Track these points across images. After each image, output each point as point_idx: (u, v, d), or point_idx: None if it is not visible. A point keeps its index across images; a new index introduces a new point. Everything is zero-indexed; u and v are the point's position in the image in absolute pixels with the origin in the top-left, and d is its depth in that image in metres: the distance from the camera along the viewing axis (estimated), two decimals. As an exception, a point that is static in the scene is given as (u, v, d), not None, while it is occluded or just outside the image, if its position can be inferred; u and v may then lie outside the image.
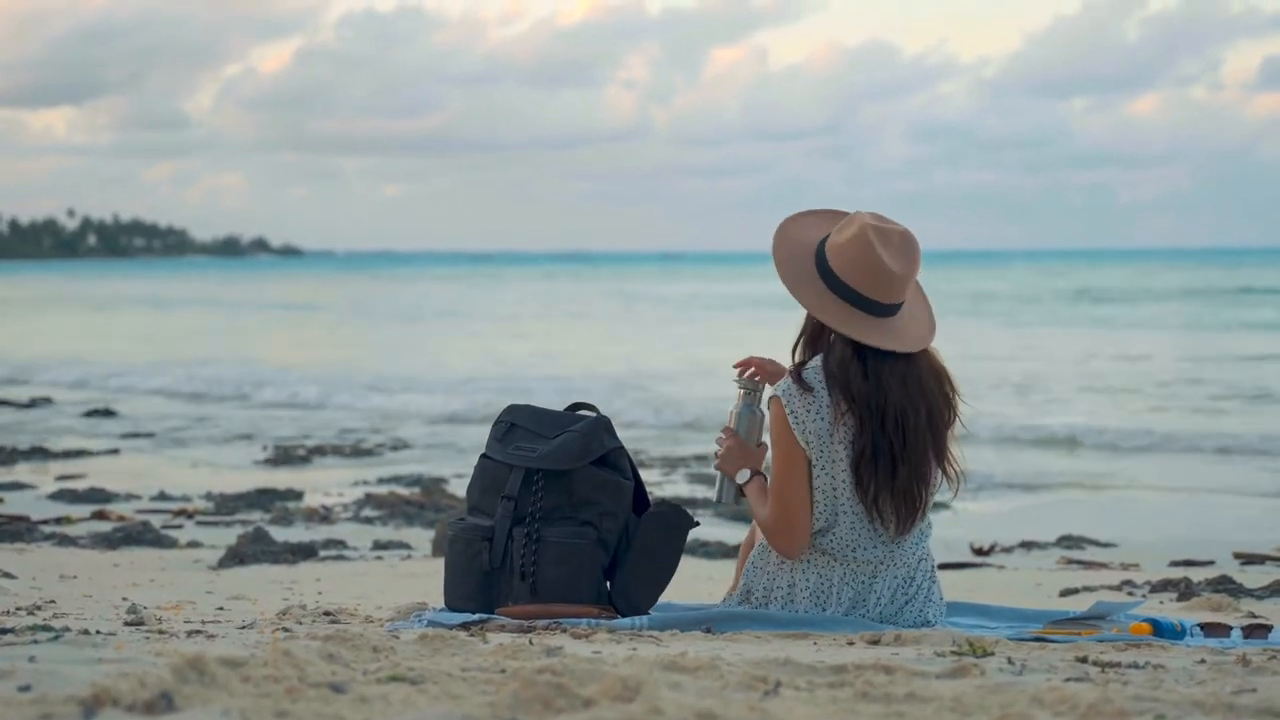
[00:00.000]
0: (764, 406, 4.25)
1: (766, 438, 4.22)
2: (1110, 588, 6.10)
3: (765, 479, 4.21)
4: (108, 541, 7.48)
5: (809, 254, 4.15)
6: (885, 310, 4.07)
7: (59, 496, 9.61)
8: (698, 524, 4.36)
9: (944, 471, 4.12)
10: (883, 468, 4.03)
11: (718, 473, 4.31)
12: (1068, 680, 3.17)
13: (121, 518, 8.59)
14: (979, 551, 7.90)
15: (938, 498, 4.26)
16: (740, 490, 4.26)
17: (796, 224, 4.24)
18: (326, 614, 4.51)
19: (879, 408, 4.02)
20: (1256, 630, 4.17)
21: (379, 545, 7.79)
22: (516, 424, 4.35)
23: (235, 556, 6.86)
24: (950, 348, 4.33)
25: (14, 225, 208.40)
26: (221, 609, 4.95)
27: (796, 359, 4.17)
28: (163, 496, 9.77)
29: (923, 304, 4.21)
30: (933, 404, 4.08)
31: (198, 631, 3.89)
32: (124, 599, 5.16)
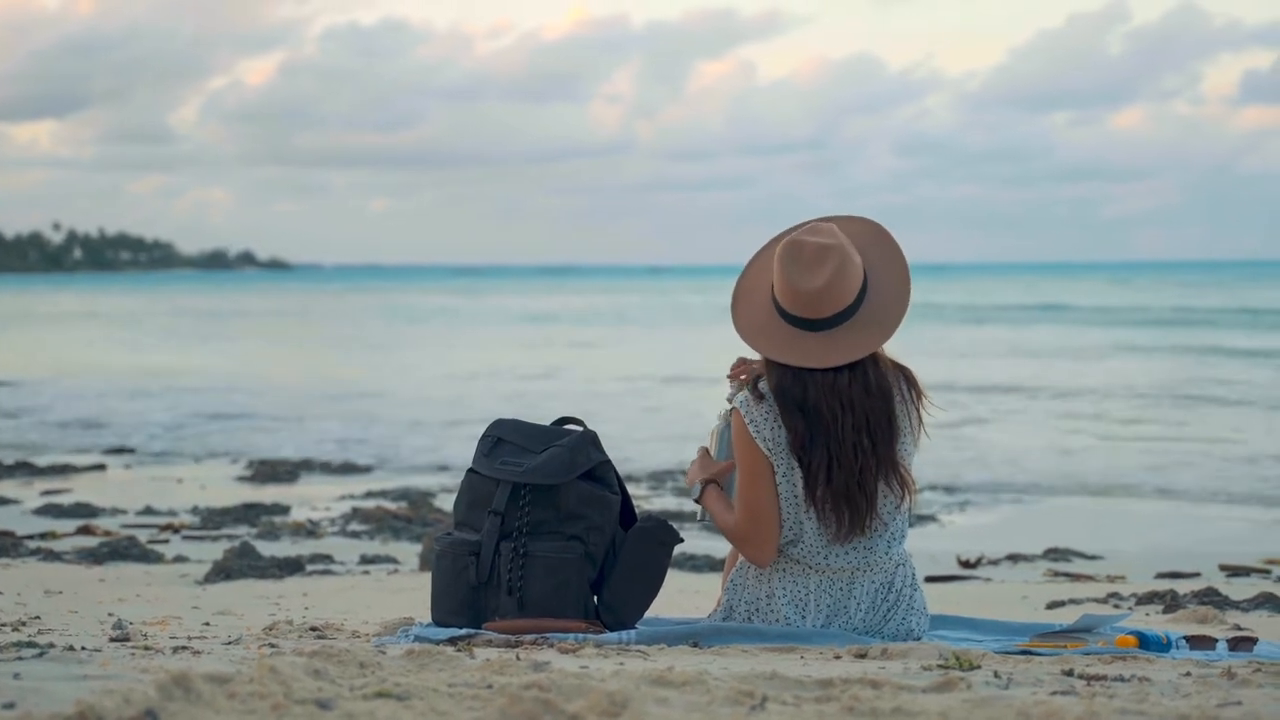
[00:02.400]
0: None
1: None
2: (1096, 600, 6.11)
3: (719, 488, 4.26)
4: (93, 557, 7.46)
5: (767, 290, 4.19)
6: (821, 324, 4.09)
7: (44, 511, 9.59)
8: (682, 540, 4.36)
9: (888, 480, 4.10)
10: (819, 471, 4.06)
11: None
12: (1054, 694, 3.17)
13: (107, 533, 8.57)
14: (965, 564, 7.91)
15: (922, 510, 4.27)
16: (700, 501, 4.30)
17: (755, 266, 4.27)
18: (313, 629, 4.50)
19: (809, 412, 4.05)
20: (1242, 643, 4.17)
21: (366, 560, 7.78)
22: (503, 439, 4.34)
23: (221, 571, 6.84)
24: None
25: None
26: (208, 624, 4.94)
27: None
28: (149, 511, 9.75)
29: (879, 313, 4.14)
30: (867, 412, 4.07)
31: (184, 648, 3.89)
32: (110, 614, 5.15)
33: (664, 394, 21.27)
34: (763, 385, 4.14)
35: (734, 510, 4.17)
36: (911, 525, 4.25)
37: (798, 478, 4.09)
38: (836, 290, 4.06)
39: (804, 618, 4.13)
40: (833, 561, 4.12)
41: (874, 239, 4.21)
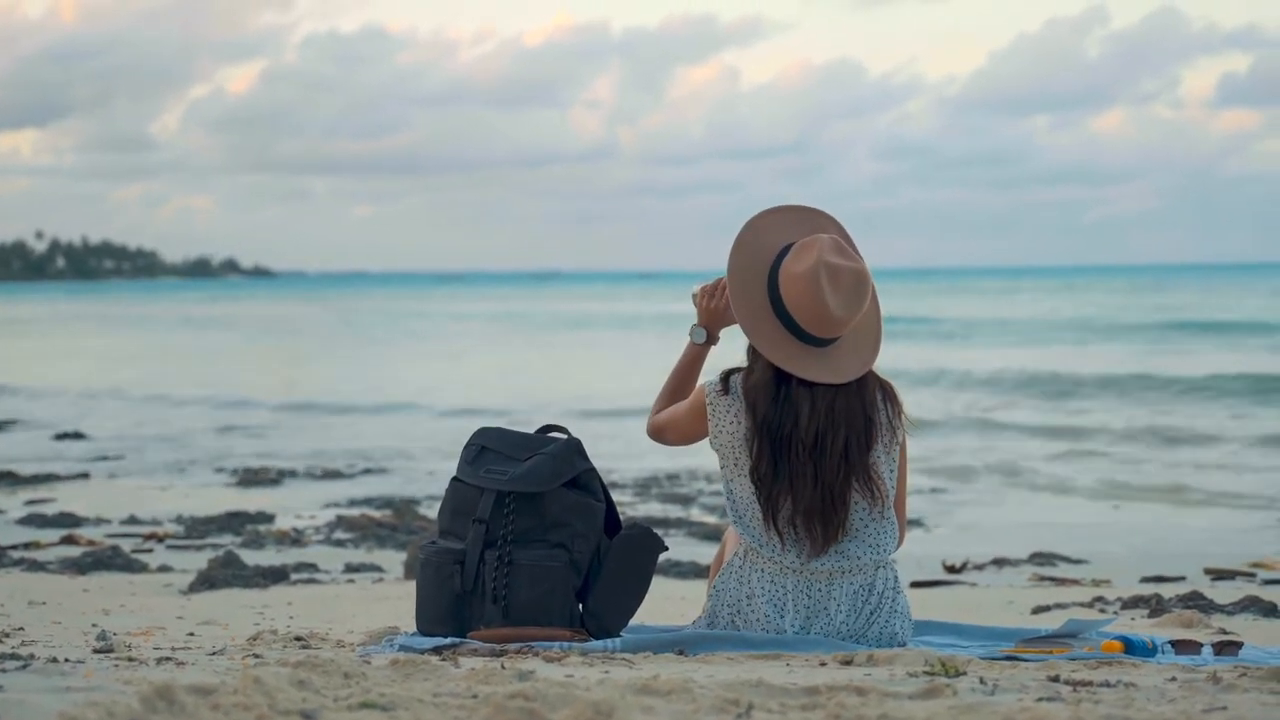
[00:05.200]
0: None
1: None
2: (1082, 605, 6.11)
3: (707, 350, 4.40)
4: (77, 566, 7.44)
5: (763, 269, 4.17)
6: (824, 342, 4.10)
7: (28, 521, 9.56)
8: (667, 548, 4.36)
9: (861, 485, 4.11)
10: (783, 491, 4.07)
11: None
12: (1040, 700, 3.17)
13: (91, 542, 8.55)
14: (951, 569, 7.91)
15: (910, 516, 4.27)
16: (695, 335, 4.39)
17: (764, 226, 4.23)
18: (298, 639, 4.49)
19: (787, 434, 4.07)
20: (1227, 647, 4.18)
21: (351, 568, 7.77)
22: (487, 447, 4.34)
23: (206, 581, 6.83)
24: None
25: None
26: (192, 634, 4.93)
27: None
28: (133, 520, 9.73)
29: (870, 327, 4.18)
30: (852, 430, 4.09)
31: (167, 658, 3.87)
32: (94, 625, 5.13)
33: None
34: (734, 381, 4.15)
35: (666, 409, 4.32)
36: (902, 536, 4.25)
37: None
38: (853, 319, 4.10)
39: (783, 617, 4.13)
40: (811, 564, 4.13)
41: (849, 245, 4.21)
